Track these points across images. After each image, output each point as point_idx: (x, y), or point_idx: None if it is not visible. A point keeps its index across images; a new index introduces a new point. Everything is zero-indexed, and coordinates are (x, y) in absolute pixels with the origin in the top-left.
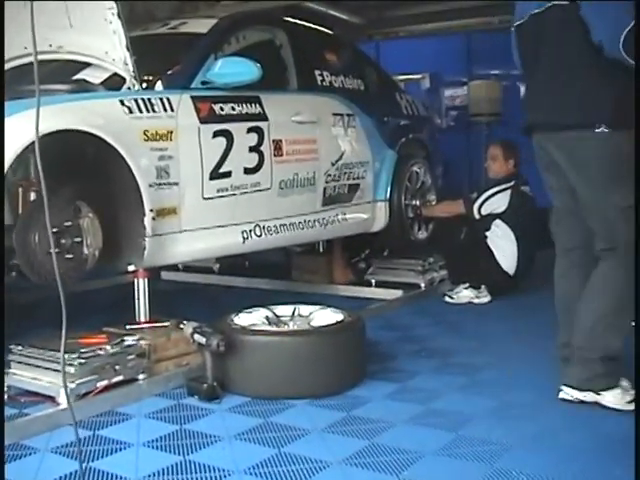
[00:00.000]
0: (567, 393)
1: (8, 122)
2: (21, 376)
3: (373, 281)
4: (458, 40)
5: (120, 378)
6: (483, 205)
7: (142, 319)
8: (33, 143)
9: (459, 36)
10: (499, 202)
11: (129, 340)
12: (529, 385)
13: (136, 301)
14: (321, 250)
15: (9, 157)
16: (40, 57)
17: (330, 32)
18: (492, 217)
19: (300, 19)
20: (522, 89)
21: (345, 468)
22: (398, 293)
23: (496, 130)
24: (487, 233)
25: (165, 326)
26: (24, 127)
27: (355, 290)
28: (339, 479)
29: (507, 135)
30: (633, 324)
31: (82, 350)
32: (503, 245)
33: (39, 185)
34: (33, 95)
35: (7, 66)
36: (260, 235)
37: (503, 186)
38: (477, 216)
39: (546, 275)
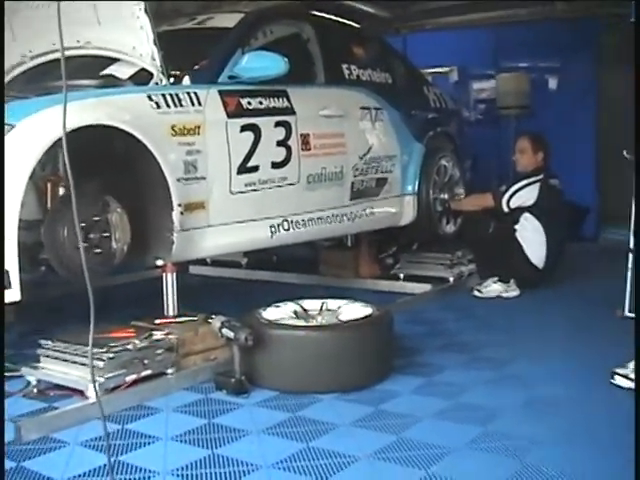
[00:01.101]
0: None
1: (37, 118)
2: (50, 370)
3: (401, 275)
4: (486, 33)
5: (148, 372)
6: (512, 198)
7: (170, 313)
8: (61, 139)
9: (487, 29)
10: (528, 195)
11: (157, 334)
12: (558, 379)
13: (164, 295)
14: (349, 244)
15: (37, 152)
16: (68, 53)
17: (357, 26)
18: (521, 210)
19: (327, 13)
20: (550, 81)
21: (373, 462)
22: (426, 287)
23: (525, 123)
24: (516, 226)
25: (193, 320)
26: (52, 123)
27: (383, 284)
28: (367, 473)
29: (536, 128)
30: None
31: (111, 344)
32: (532, 238)
33: (67, 180)
34: (61, 91)
35: (34, 62)
36: (288, 229)
37: (532, 179)
38: (506, 209)
39: (575, 268)
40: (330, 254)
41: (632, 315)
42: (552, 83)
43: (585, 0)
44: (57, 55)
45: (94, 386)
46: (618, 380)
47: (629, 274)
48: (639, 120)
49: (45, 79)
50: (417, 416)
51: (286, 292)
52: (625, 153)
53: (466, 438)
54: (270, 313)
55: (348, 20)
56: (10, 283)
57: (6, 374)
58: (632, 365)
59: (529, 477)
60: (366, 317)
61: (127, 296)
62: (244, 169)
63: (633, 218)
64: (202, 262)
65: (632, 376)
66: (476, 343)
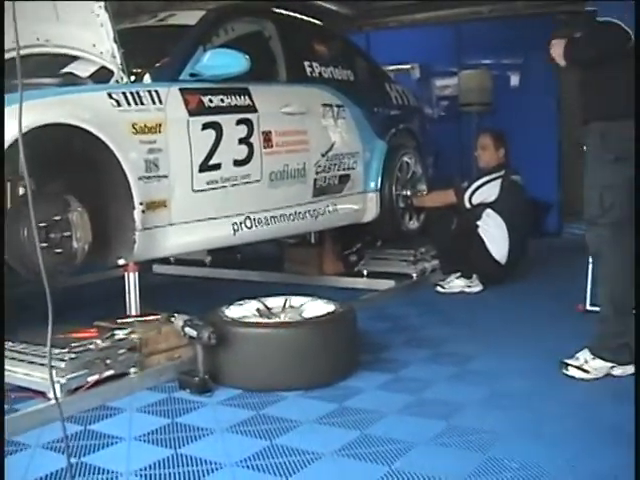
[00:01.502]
0: None
1: None
2: (12, 372)
3: (365, 272)
4: (448, 30)
5: (111, 372)
6: (474, 194)
7: (133, 313)
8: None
9: (449, 26)
10: (490, 191)
11: (120, 334)
12: (520, 374)
13: (127, 295)
14: (312, 241)
15: None
16: (27, 51)
17: (319, 23)
18: (483, 206)
19: (289, 10)
20: (512, 78)
21: (337, 459)
22: (390, 283)
23: (486, 120)
24: (478, 222)
25: (156, 319)
26: (9, 122)
27: (347, 281)
28: (332, 470)
29: (498, 125)
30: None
31: (73, 344)
32: (494, 234)
33: (25, 180)
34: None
35: None
36: (251, 227)
37: (493, 175)
38: (468, 206)
39: (537, 264)
40: (294, 251)
41: (593, 308)
42: (514, 80)
43: None
44: (14, 53)
45: (52, 387)
46: (571, 371)
47: (590, 269)
48: (639, 120)
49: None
50: (381, 412)
51: (250, 290)
52: (584, 148)
53: (430, 433)
54: (233, 311)
55: (310, 17)
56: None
57: None
58: (582, 355)
59: (493, 470)
60: (329, 314)
61: (89, 296)
62: (206, 167)
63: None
64: (166, 261)
65: (586, 367)
66: (440, 338)
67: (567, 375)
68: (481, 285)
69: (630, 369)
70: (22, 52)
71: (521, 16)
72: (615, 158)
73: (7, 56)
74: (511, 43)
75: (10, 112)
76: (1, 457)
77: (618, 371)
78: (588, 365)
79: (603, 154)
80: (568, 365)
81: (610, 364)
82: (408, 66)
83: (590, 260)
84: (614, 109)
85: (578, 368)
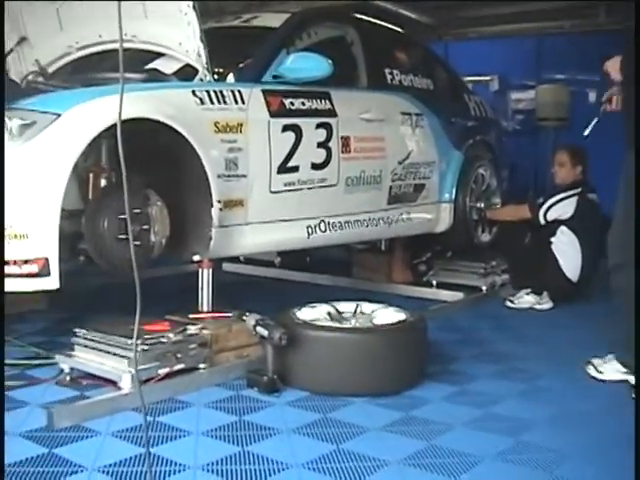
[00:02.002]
0: None
1: (82, 108)
2: (84, 359)
3: (434, 282)
4: (528, 43)
5: (181, 366)
6: (549, 211)
7: (205, 309)
8: (106, 130)
9: (529, 39)
10: (565, 208)
11: (192, 329)
12: (590, 395)
13: (200, 291)
14: (383, 249)
15: (82, 143)
16: (114, 45)
17: (401, 31)
18: (558, 223)
19: (371, 17)
20: (590, 94)
21: (403, 468)
22: (459, 295)
23: (563, 135)
24: (552, 239)
25: (228, 317)
26: (98, 113)
27: (416, 290)
28: (397, 479)
29: (574, 141)
30: None
31: (145, 337)
32: (567, 252)
33: (110, 172)
34: (106, 83)
35: (80, 54)
36: (325, 231)
37: (570, 192)
38: (542, 222)
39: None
40: (363, 257)
41: None
42: (592, 96)
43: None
44: (103, 47)
45: (137, 378)
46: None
47: None
48: (639, 122)
49: (88, 71)
50: (448, 424)
51: (318, 293)
52: None
53: (497, 449)
54: (304, 313)
55: (392, 24)
56: (50, 271)
57: (38, 362)
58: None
59: None
60: (400, 322)
61: (163, 290)
62: (284, 169)
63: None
64: (235, 260)
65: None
66: (508, 354)
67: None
68: (551, 302)
69: None
70: (108, 47)
71: (602, 31)
72: None
73: (95, 49)
74: (590, 58)
75: (98, 104)
76: (1, 455)
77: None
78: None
79: None
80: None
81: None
82: (487, 77)
83: None
84: None
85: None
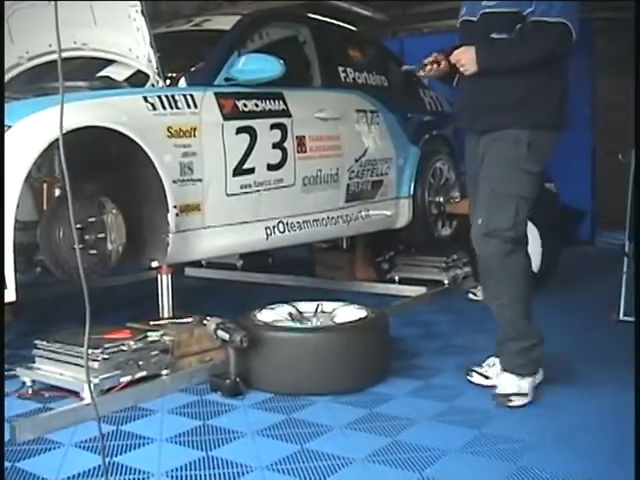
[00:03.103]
0: None
1: (33, 119)
2: (45, 371)
3: (397, 277)
4: None
5: (143, 374)
6: None
7: (166, 315)
8: (57, 140)
9: None
10: None
11: (152, 336)
12: (551, 383)
13: (159, 297)
14: (344, 247)
15: (33, 154)
16: (64, 54)
17: (353, 28)
18: None
19: (323, 16)
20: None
21: (368, 465)
22: (422, 290)
23: None
24: None
25: (188, 322)
26: (49, 124)
27: (378, 287)
28: (362, 476)
29: None
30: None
31: (106, 345)
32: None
33: (63, 181)
34: (57, 92)
35: (31, 64)
36: (284, 231)
37: None
38: None
39: (570, 272)
40: (326, 256)
41: (627, 319)
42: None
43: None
44: (54, 56)
45: (89, 387)
46: (475, 377)
47: (624, 278)
48: (639, 121)
49: (42, 80)
50: (412, 419)
51: (282, 294)
52: (620, 157)
53: (461, 441)
54: (265, 315)
55: (345, 23)
56: (5, 284)
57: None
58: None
59: None
60: (361, 319)
61: (122, 297)
62: (240, 171)
63: (628, 222)
64: (197, 264)
65: (487, 374)
66: (471, 346)
67: (470, 381)
68: None
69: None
70: (54, 57)
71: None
72: (539, 171)
73: (45, 59)
74: None
75: (49, 114)
76: (1, 457)
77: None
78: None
79: (527, 165)
80: (473, 371)
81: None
82: None
83: (625, 270)
84: (548, 118)
85: (481, 375)
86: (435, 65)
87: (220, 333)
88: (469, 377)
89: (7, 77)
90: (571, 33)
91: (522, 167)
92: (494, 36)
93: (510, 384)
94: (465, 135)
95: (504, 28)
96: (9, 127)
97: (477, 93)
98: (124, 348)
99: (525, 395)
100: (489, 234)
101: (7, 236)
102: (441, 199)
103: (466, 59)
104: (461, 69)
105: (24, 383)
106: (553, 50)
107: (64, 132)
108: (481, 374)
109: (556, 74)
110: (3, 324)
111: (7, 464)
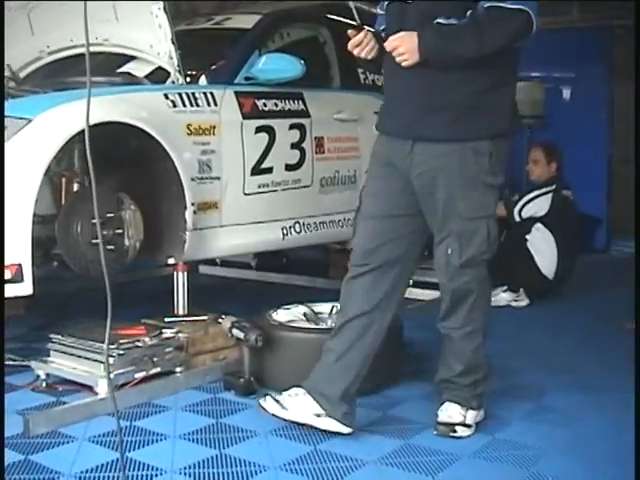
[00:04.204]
0: None
1: (54, 112)
2: (60, 365)
3: (410, 281)
4: None
5: (158, 370)
6: (524, 208)
7: (181, 312)
8: (78, 134)
9: None
10: (540, 206)
11: (167, 333)
12: (565, 391)
13: (175, 294)
14: None
15: (54, 147)
16: (85, 49)
17: (374, 30)
18: (533, 220)
19: (343, 17)
20: (564, 92)
21: (380, 467)
22: (435, 294)
23: (538, 133)
24: (527, 236)
25: (203, 320)
26: (70, 118)
27: None
28: (375, 478)
29: (549, 138)
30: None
31: (121, 341)
32: (543, 249)
33: (82, 176)
34: (77, 87)
35: (52, 58)
36: (300, 232)
37: (544, 190)
38: (517, 219)
39: (585, 280)
40: (340, 257)
41: None
42: (566, 93)
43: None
44: (74, 51)
45: (109, 382)
46: (268, 404)
47: None
48: (639, 120)
49: (62, 75)
50: (425, 422)
51: (295, 294)
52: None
53: (474, 446)
54: (280, 315)
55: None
56: (23, 277)
57: (11, 363)
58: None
59: None
60: None
61: (138, 293)
62: (258, 170)
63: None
64: (211, 262)
65: (285, 403)
66: (485, 351)
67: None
68: (527, 300)
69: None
70: (79, 51)
71: (576, 29)
72: (500, 184)
73: (65, 54)
74: (564, 56)
75: (71, 108)
76: (1, 455)
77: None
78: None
79: (490, 178)
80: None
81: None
82: None
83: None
84: (508, 124)
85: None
86: (357, 49)
87: (235, 332)
88: (262, 401)
89: (27, 71)
90: (532, 22)
91: (485, 181)
92: (441, 21)
93: (455, 414)
94: (388, 140)
95: (452, 12)
96: (30, 120)
97: (415, 89)
98: (139, 344)
99: (470, 427)
100: (465, 265)
101: (25, 229)
102: None
103: (407, 47)
104: (398, 59)
105: (38, 376)
106: (512, 41)
107: (82, 128)
108: (278, 401)
109: (513, 70)
110: (3, 319)
111: (20, 456)
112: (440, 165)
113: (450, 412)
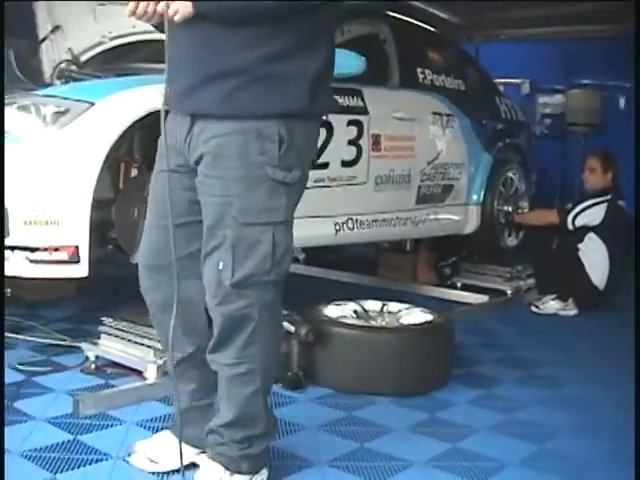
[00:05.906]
0: None
1: (117, 97)
2: (110, 348)
3: (459, 284)
4: (558, 47)
5: None
6: (578, 217)
7: None
8: (139, 120)
9: (560, 43)
10: (594, 215)
11: None
12: (615, 404)
13: None
14: (407, 249)
15: (115, 133)
16: (146, 37)
17: (434, 30)
18: (586, 230)
19: (403, 15)
20: (621, 101)
21: (426, 470)
22: (484, 298)
23: (593, 141)
24: (579, 245)
25: None
26: (132, 104)
27: (439, 291)
28: None
29: (605, 147)
30: None
31: None
32: (595, 259)
33: (141, 162)
34: (139, 73)
35: (113, 43)
36: (352, 228)
37: (599, 199)
38: (571, 227)
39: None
40: (388, 257)
41: None
42: (622, 102)
43: None
44: (136, 38)
45: (171, 368)
46: (136, 458)
47: None
48: (639, 121)
49: (120, 61)
50: (472, 427)
51: (342, 291)
52: None
53: (521, 454)
54: (331, 310)
55: (424, 24)
56: (79, 259)
57: (61, 343)
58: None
59: None
60: (427, 323)
61: None
62: (314, 165)
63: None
64: None
65: (154, 457)
66: (533, 359)
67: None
68: (576, 309)
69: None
70: (141, 37)
71: (632, 37)
72: (300, 177)
73: (127, 40)
74: (620, 65)
75: (132, 94)
76: (1, 454)
77: None
78: None
79: (279, 172)
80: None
81: None
82: (519, 80)
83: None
84: (309, 100)
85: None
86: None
87: (285, 325)
88: (129, 458)
89: (88, 55)
90: None
91: (272, 176)
92: None
93: (213, 477)
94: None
95: None
96: (92, 104)
97: (193, 54)
98: None
99: None
100: (239, 284)
101: (84, 212)
102: (510, 209)
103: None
104: (170, 13)
105: (87, 358)
106: None
107: (145, 114)
108: (149, 458)
109: (317, 31)
110: (3, 320)
111: (70, 436)
112: (214, 150)
113: (206, 475)
